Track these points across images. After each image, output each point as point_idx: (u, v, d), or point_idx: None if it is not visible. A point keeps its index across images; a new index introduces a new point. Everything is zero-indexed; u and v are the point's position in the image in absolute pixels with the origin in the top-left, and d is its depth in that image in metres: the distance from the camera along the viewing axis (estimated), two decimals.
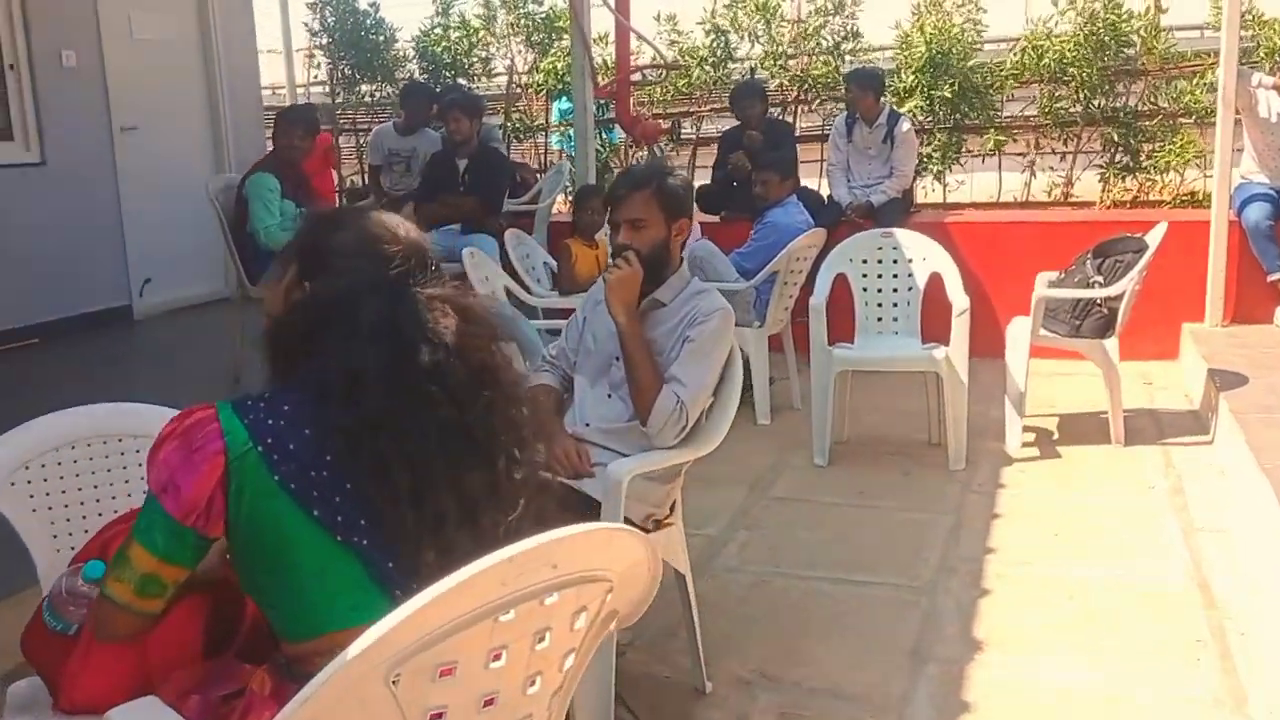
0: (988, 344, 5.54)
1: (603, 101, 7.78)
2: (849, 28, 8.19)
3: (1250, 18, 7.17)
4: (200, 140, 8.33)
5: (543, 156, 9.30)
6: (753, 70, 8.32)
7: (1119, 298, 4.84)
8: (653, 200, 2.89)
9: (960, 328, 4.71)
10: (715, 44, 8.43)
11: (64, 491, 2.18)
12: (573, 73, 6.61)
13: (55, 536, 2.16)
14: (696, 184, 7.40)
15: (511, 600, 1.31)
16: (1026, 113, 7.96)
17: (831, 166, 7.14)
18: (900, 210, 6.77)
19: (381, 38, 9.40)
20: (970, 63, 7.69)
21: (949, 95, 7.62)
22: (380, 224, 1.69)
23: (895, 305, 5.10)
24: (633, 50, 7.51)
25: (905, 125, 6.86)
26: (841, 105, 7.54)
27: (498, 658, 1.34)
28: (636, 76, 8.09)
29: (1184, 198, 7.47)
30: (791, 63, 8.25)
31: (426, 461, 1.53)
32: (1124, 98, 7.65)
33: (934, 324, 4.98)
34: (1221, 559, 3.75)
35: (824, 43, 8.20)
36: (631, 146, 8.51)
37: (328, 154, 8.52)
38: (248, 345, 5.38)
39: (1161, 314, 6.07)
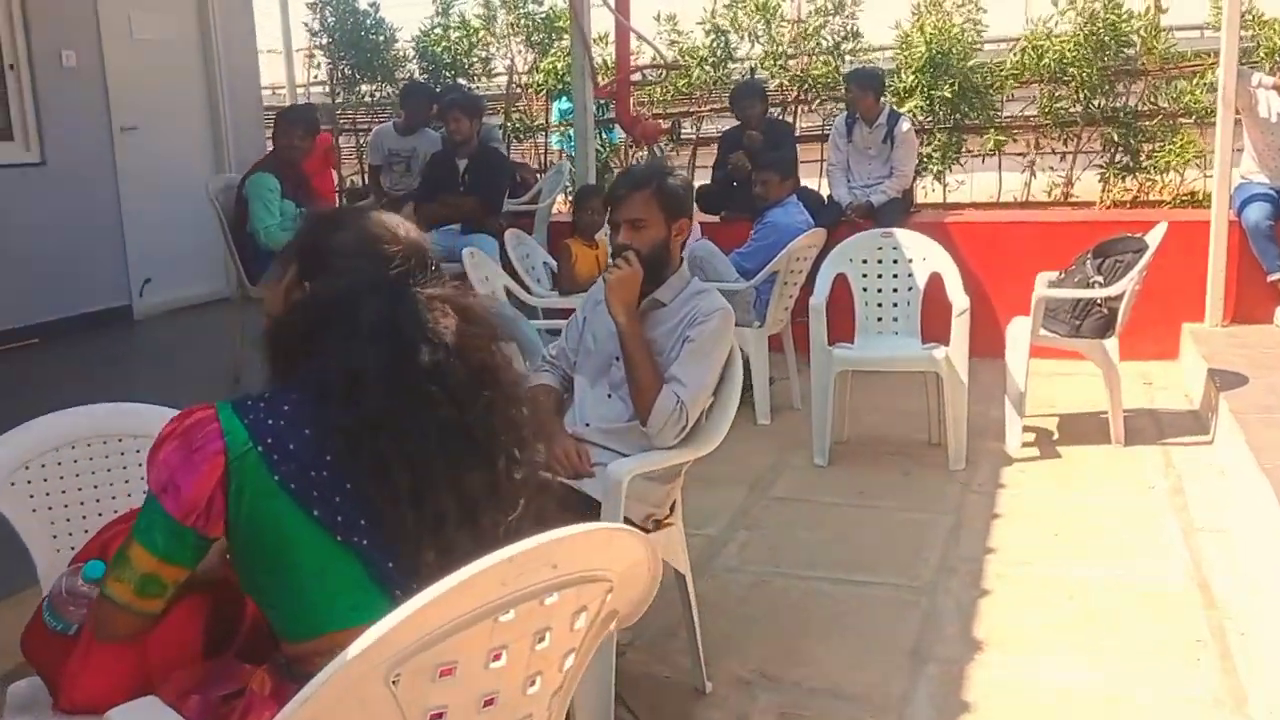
0: (988, 344, 5.54)
1: (603, 101, 7.79)
2: (849, 28, 8.19)
3: (1250, 18, 7.17)
4: (200, 140, 8.33)
5: (543, 156, 9.30)
6: (753, 70, 8.32)
7: (1119, 298, 4.84)
8: (653, 200, 2.89)
9: (960, 328, 4.71)
10: (715, 44, 8.43)
11: (64, 491, 2.18)
12: (573, 73, 6.61)
13: (55, 536, 2.16)
14: (696, 184, 7.41)
15: (511, 600, 1.31)
16: (1026, 113, 7.96)
17: (831, 166, 7.14)
18: (900, 210, 6.76)
19: (381, 38, 9.40)
20: (970, 63, 7.69)
21: (949, 95, 7.62)
22: (380, 224, 1.69)
23: (895, 305, 5.09)
24: (633, 50, 7.52)
25: (905, 125, 6.86)
26: (841, 105, 7.54)
27: (498, 658, 1.34)
28: (636, 76, 8.09)
29: (1184, 198, 7.46)
30: (791, 63, 8.25)
31: (426, 461, 1.53)
32: (1124, 98, 7.65)
33: (934, 324, 4.98)
34: (1221, 559, 3.75)
35: (824, 43, 8.19)
36: (632, 146, 8.51)
37: (328, 154, 8.53)
38: (248, 345, 5.37)
39: (1161, 314, 6.07)
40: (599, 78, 6.90)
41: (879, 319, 5.12)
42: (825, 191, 7.18)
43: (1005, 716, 2.86)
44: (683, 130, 8.66)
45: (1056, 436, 5.12)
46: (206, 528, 1.51)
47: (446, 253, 6.06)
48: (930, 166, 7.80)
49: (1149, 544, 3.91)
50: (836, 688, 3.01)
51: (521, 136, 9.24)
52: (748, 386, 4.90)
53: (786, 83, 8.25)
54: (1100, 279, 4.94)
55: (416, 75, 9.29)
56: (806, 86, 8.19)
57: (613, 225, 2.97)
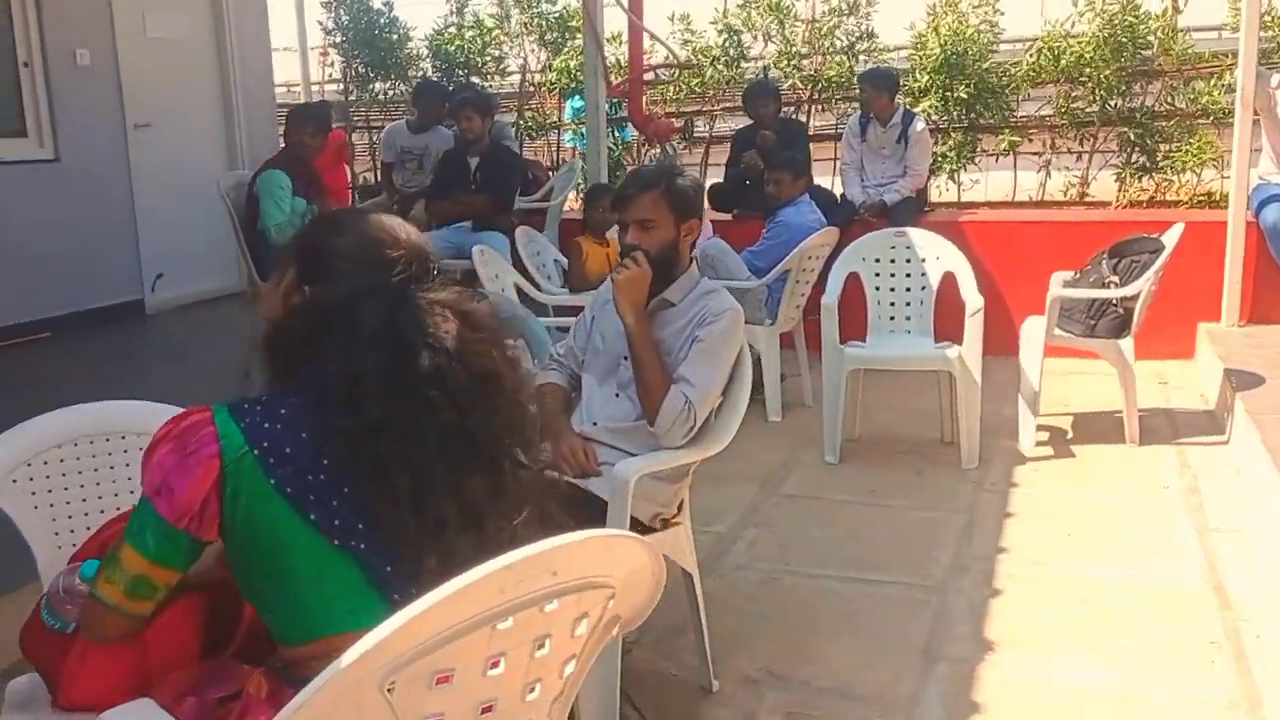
0: (1001, 341, 5.51)
1: (615, 100, 7.78)
2: (863, 28, 8.16)
3: (1270, 19, 7.10)
4: (214, 138, 8.35)
5: (556, 154, 9.29)
6: (766, 70, 8.30)
7: (1134, 298, 4.80)
8: (661, 201, 2.87)
9: (974, 327, 4.67)
10: (728, 43, 8.41)
11: (66, 489, 2.18)
12: (585, 71, 6.60)
13: (57, 534, 2.15)
14: (709, 182, 7.42)
15: (510, 607, 1.29)
16: (1042, 112, 7.91)
17: (845, 166, 7.10)
18: (914, 209, 6.73)
19: (395, 36, 9.43)
20: (986, 64, 7.64)
21: (964, 96, 7.57)
22: (381, 227, 1.67)
23: (908, 304, 5.06)
24: (645, 49, 7.51)
25: (920, 125, 6.82)
26: (855, 105, 7.50)
27: (496, 665, 1.32)
28: (649, 75, 8.08)
29: (1201, 198, 7.41)
30: (805, 63, 8.21)
31: (427, 466, 1.51)
32: (1141, 98, 7.59)
33: (947, 323, 4.94)
34: (1237, 560, 3.71)
35: (838, 42, 8.16)
36: (644, 145, 8.50)
37: (341, 151, 8.55)
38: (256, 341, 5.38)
39: (1178, 314, 6.03)
40: (612, 76, 6.89)
41: (891, 318, 5.09)
42: (838, 190, 7.15)
43: (1017, 717, 2.84)
44: (695, 129, 8.64)
45: (1070, 436, 5.08)
46: (200, 531, 1.49)
47: (457, 250, 6.08)
48: (945, 166, 7.76)
49: (1163, 544, 3.87)
50: (845, 687, 2.98)
51: (534, 134, 9.24)
52: (759, 384, 4.87)
53: (800, 83, 8.21)
54: (1116, 279, 4.90)
55: (430, 74, 9.30)
56: (820, 87, 8.15)
57: (621, 225, 2.96)
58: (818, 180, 6.81)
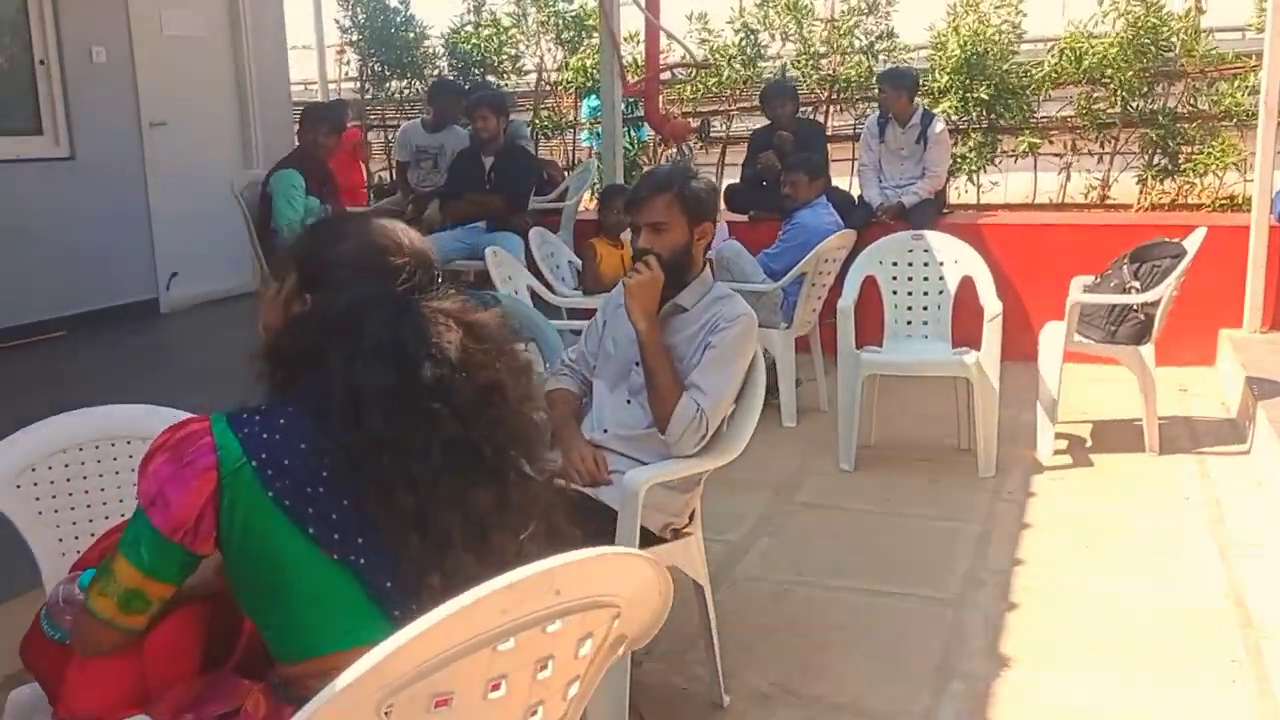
0: (1020, 348, 5.45)
1: (632, 100, 7.74)
2: (883, 27, 8.11)
3: None
4: (229, 136, 8.34)
5: (571, 154, 9.27)
6: (784, 70, 8.25)
7: (1156, 304, 4.73)
8: (674, 204, 2.82)
9: (992, 333, 4.61)
10: (745, 43, 8.37)
11: (70, 494, 2.15)
12: (601, 71, 6.57)
13: (60, 540, 2.13)
14: (725, 183, 7.38)
15: (512, 628, 1.25)
16: (1064, 113, 7.84)
17: (863, 167, 7.05)
18: (932, 211, 6.67)
19: (411, 34, 9.43)
20: (1007, 65, 7.58)
21: (984, 97, 7.51)
22: (383, 233, 1.63)
23: (925, 309, 5.00)
24: (662, 49, 7.48)
25: (939, 126, 6.77)
26: (874, 105, 7.45)
27: (496, 687, 1.28)
28: (666, 75, 8.04)
29: (1223, 201, 7.33)
30: (823, 62, 8.16)
31: (431, 481, 1.47)
32: (1163, 99, 7.52)
33: (965, 327, 4.89)
34: (1258, 576, 3.64)
35: (857, 42, 8.11)
36: (660, 144, 8.46)
37: (356, 149, 8.54)
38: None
39: (1199, 320, 5.95)
40: (628, 76, 6.86)
41: (908, 322, 5.03)
42: (856, 191, 7.10)
43: None
44: (712, 129, 8.60)
45: (1089, 444, 5.02)
46: (195, 544, 1.46)
47: (471, 250, 6.06)
48: (964, 167, 7.70)
49: (1183, 558, 3.81)
50: (858, 703, 2.93)
51: (550, 134, 9.22)
52: (773, 388, 4.83)
53: (817, 83, 8.16)
54: (1137, 284, 4.84)
55: (446, 72, 9.30)
56: (839, 87, 8.10)
57: (634, 228, 2.91)
58: (836, 181, 6.77)
